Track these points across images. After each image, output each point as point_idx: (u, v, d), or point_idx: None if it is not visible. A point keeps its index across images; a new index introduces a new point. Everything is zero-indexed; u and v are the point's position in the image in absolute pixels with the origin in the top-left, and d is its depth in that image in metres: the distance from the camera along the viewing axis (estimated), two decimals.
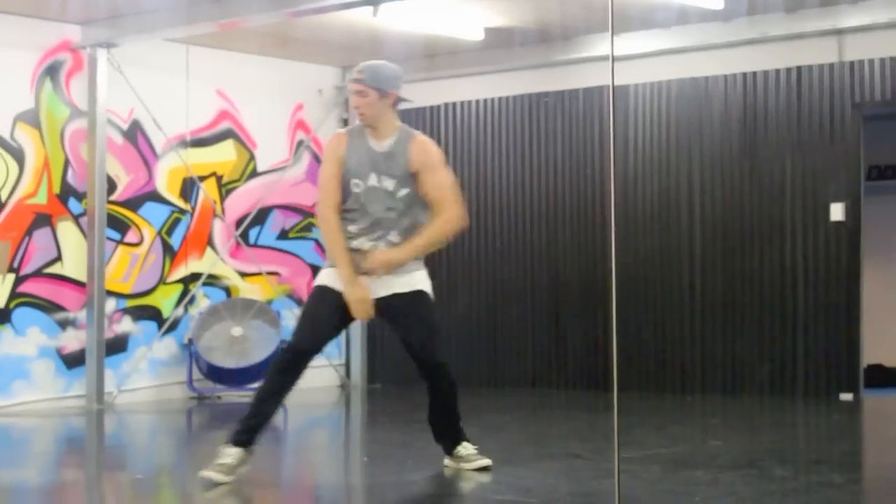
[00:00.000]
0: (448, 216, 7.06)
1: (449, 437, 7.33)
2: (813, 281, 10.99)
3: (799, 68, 11.10)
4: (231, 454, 6.86)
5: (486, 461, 7.21)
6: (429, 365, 7.29)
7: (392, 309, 7.07)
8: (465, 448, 7.29)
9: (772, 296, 11.16)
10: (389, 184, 6.98)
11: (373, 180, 6.98)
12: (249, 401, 7.06)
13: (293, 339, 7.05)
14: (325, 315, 7.04)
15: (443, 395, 7.35)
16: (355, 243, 6.96)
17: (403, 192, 7.00)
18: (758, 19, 11.08)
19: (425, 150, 7.18)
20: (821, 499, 6.29)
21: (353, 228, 6.98)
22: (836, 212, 10.88)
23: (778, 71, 11.20)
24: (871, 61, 10.78)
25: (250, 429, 6.94)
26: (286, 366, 7.00)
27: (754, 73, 11.29)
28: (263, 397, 6.99)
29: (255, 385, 11.79)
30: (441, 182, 7.14)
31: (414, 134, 7.27)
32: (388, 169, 7.01)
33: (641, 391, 11.22)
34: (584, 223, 12.04)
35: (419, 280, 7.09)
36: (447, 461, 7.31)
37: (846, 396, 10.74)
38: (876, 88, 10.79)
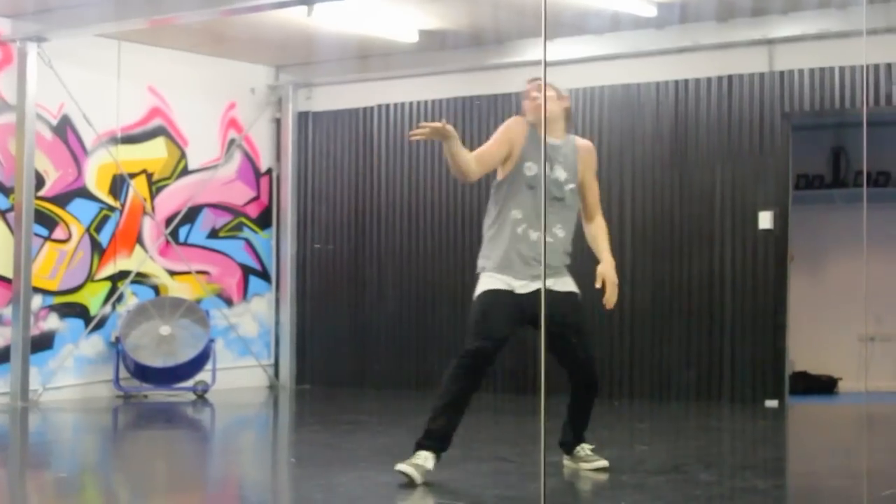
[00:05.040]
0: (603, 222, 7.49)
1: (575, 437, 7.42)
2: (740, 288, 11.08)
3: (730, 77, 11.20)
4: (426, 457, 6.93)
5: (604, 462, 7.31)
6: (581, 362, 7.23)
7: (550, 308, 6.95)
8: (583, 449, 7.41)
9: (699, 302, 11.24)
10: (561, 174, 7.20)
11: (550, 169, 7.20)
12: (436, 405, 7.10)
13: (474, 344, 7.01)
14: (501, 316, 7.05)
15: (590, 393, 7.38)
16: (520, 230, 7.11)
17: (570, 186, 7.24)
18: (690, 28, 11.16)
19: (591, 154, 7.49)
20: None
21: (518, 214, 7.12)
22: (765, 220, 10.98)
23: (709, 79, 11.29)
24: (801, 71, 10.90)
25: (445, 436, 7.03)
26: (469, 371, 7.03)
27: (686, 81, 11.37)
28: (453, 402, 7.06)
29: (182, 384, 11.79)
30: (597, 188, 7.49)
31: (577, 137, 7.55)
32: (561, 161, 7.24)
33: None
34: None
35: (571, 281, 7.31)
36: (567, 461, 7.41)
37: (771, 403, 10.83)
38: (805, 98, 10.90)
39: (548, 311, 6.70)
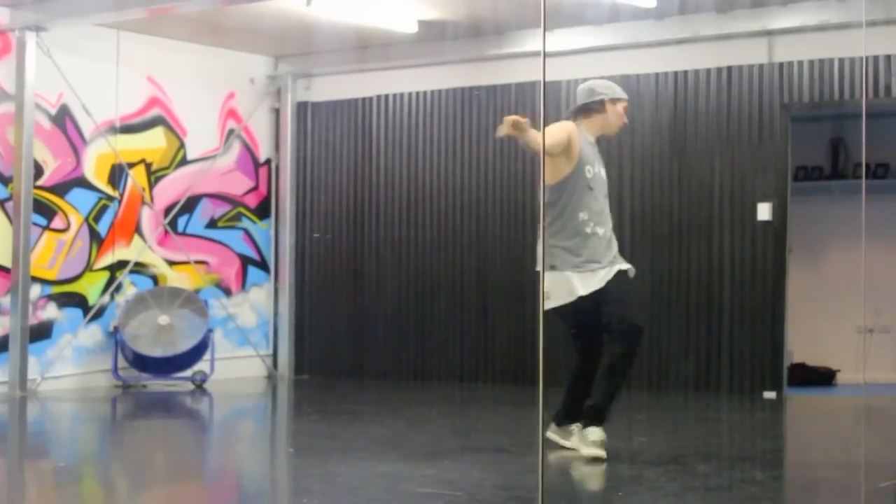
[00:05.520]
0: None
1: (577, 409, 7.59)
2: (739, 279, 11.09)
3: (729, 68, 11.19)
4: (597, 432, 7.34)
5: (594, 452, 7.38)
6: (617, 333, 7.43)
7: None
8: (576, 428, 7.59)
9: (698, 293, 11.25)
10: (605, 177, 7.63)
11: (598, 168, 7.57)
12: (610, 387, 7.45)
13: (577, 349, 7.61)
14: (585, 320, 7.45)
15: (619, 363, 7.48)
16: (588, 229, 7.43)
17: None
18: (689, 19, 11.16)
19: None
20: (743, 495, 6.35)
21: (584, 215, 7.43)
22: (763, 211, 10.98)
23: (708, 70, 11.29)
24: (800, 63, 10.89)
25: (606, 407, 7.42)
26: (581, 371, 7.58)
27: (685, 72, 11.37)
28: (609, 378, 7.43)
29: (181, 374, 11.79)
30: None
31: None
32: (604, 165, 7.70)
33: None
34: (514, 218, 12.07)
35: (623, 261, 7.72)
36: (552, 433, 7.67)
37: (769, 394, 10.84)
38: (804, 90, 10.90)
39: (606, 287, 7.34)
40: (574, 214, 7.40)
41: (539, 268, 7.98)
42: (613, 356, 7.41)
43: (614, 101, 7.67)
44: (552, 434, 7.64)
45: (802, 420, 10.56)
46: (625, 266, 7.52)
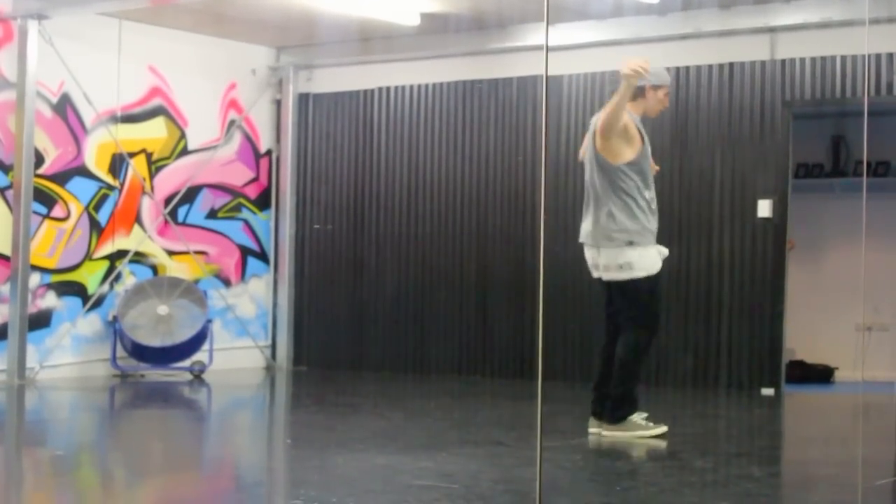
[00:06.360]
0: None
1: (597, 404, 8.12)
2: (738, 276, 11.09)
3: (731, 64, 11.19)
4: (638, 415, 8.03)
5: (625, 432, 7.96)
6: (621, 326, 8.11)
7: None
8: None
9: (698, 289, 11.24)
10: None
11: (648, 147, 8.08)
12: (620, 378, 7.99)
13: (609, 331, 8.18)
14: (657, 293, 8.16)
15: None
16: (655, 205, 8.02)
17: None
18: (692, 14, 11.14)
19: None
20: (740, 491, 6.36)
21: (649, 194, 7.97)
22: (764, 208, 10.98)
23: (710, 66, 11.28)
24: (802, 60, 10.89)
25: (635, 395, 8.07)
26: (602, 357, 8.17)
27: (687, 68, 11.36)
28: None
29: (179, 364, 11.79)
30: None
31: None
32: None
33: (566, 380, 11.25)
34: (515, 211, 12.07)
35: None
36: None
37: (767, 391, 10.84)
38: (806, 87, 10.89)
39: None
40: (642, 193, 7.90)
41: (581, 240, 8.19)
42: (628, 343, 8.02)
43: (655, 87, 8.09)
44: (612, 431, 8.03)
45: (800, 417, 10.57)
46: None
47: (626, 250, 7.84)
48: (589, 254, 8.01)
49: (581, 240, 8.14)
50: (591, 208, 8.02)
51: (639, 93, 7.98)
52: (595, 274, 8.08)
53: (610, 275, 7.95)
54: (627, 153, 7.88)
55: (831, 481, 6.88)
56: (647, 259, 7.90)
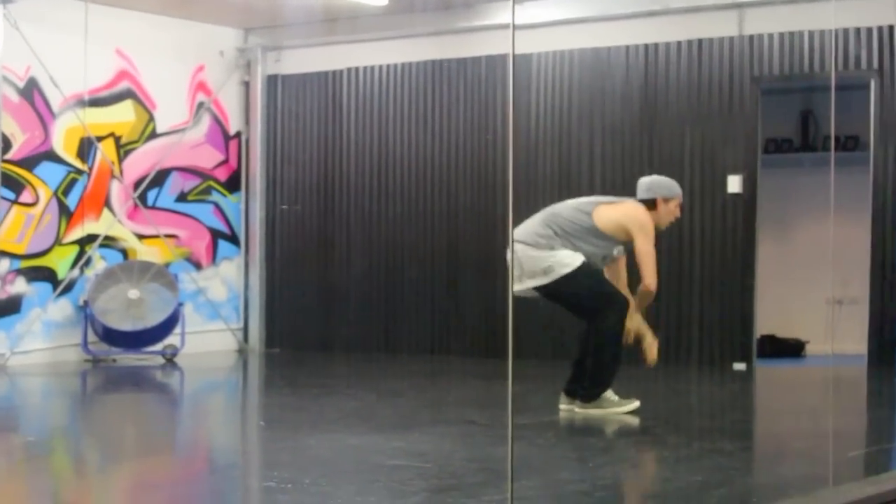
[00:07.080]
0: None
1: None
2: (709, 251, 11.12)
3: (699, 41, 11.20)
4: (611, 394, 8.11)
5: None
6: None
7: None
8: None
9: (668, 265, 11.24)
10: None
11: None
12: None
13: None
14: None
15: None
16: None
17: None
18: None
19: None
20: (711, 465, 6.38)
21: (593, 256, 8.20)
22: (733, 183, 11.01)
23: (679, 43, 11.29)
24: (770, 35, 10.91)
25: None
26: (580, 339, 8.36)
27: (655, 45, 11.37)
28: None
29: (151, 348, 11.75)
30: None
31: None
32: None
33: (538, 359, 11.27)
34: (484, 190, 12.07)
35: None
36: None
37: (739, 366, 10.89)
38: (774, 62, 10.92)
39: None
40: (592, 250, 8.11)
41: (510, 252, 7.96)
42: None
43: (666, 199, 8.25)
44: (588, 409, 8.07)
45: (772, 391, 10.62)
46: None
47: (547, 255, 7.91)
48: (510, 257, 7.65)
49: (516, 237, 8.03)
50: (539, 218, 8.05)
51: (650, 205, 8.17)
52: (517, 288, 7.98)
53: (536, 281, 7.92)
54: (622, 238, 8.17)
55: (803, 454, 6.91)
56: (564, 257, 7.94)
